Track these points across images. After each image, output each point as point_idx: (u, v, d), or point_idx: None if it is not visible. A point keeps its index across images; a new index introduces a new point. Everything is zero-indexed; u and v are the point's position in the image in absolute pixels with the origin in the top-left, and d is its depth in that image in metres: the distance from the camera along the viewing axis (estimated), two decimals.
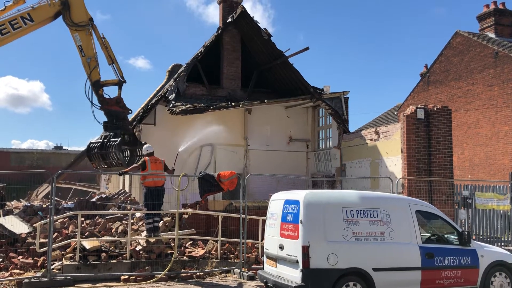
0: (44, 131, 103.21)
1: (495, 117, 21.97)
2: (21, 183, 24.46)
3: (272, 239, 8.98)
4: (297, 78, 20.33)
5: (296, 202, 8.41)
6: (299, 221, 8.17)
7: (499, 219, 15.93)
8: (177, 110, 18.26)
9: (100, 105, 14.33)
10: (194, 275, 10.84)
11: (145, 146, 12.26)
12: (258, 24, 20.11)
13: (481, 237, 15.53)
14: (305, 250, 7.97)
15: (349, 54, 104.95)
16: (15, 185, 22.02)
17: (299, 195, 8.50)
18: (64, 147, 50.35)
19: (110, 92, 14.98)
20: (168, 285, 10.10)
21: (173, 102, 18.95)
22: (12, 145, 77.06)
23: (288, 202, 8.71)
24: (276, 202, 9.14)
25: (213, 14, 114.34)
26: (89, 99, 14.26)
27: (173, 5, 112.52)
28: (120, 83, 14.60)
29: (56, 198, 20.76)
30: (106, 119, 14.67)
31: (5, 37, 13.01)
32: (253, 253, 12.10)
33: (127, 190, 18.60)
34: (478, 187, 15.81)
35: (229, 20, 20.71)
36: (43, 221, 11.04)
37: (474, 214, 15.61)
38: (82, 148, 34.07)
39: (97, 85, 14.15)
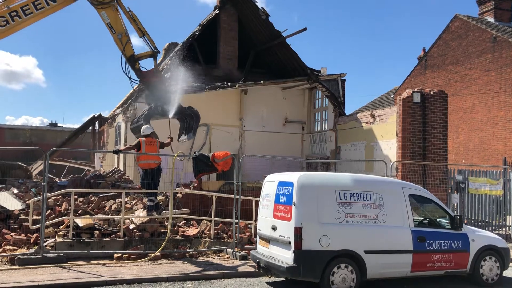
0: (38, 107, 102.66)
1: (491, 102, 21.97)
2: (15, 159, 24.35)
3: (265, 220, 9.01)
4: (294, 59, 20.18)
5: (290, 184, 8.42)
6: (292, 203, 8.19)
7: (491, 204, 16.07)
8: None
9: (138, 79, 14.19)
10: (187, 254, 10.89)
11: (143, 127, 12.21)
12: (256, 3, 19.86)
13: (472, 222, 15.68)
14: (298, 232, 8.01)
15: (347, 36, 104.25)
16: (10, 161, 21.86)
17: (293, 176, 8.50)
18: (59, 124, 50.11)
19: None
20: (161, 264, 10.14)
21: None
22: (6, 121, 76.50)
23: (281, 183, 8.72)
24: (270, 184, 9.15)
25: None
26: (126, 74, 14.16)
27: None
28: (154, 54, 14.49)
29: (50, 175, 20.77)
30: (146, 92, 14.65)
31: (28, 18, 12.92)
32: (246, 234, 12.15)
33: (122, 169, 18.59)
34: (472, 172, 15.90)
35: None
36: (35, 198, 11.03)
37: (466, 199, 15.73)
38: (77, 125, 34.04)
39: (132, 60, 14.09)
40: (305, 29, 19.08)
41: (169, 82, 14.71)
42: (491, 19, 24.80)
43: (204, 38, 20.62)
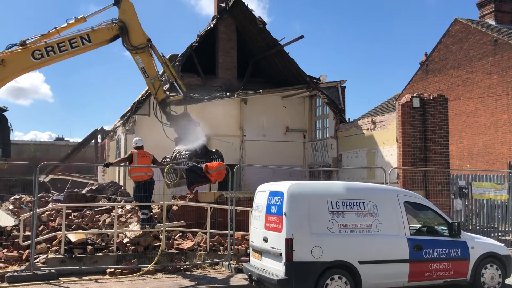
0: (46, 122, 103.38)
1: (494, 105, 21.65)
2: (19, 174, 24.40)
3: (257, 231, 8.80)
4: (293, 68, 20.06)
5: (280, 194, 8.21)
6: (283, 213, 7.98)
7: (496, 209, 15.68)
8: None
9: (169, 123, 14.48)
10: (181, 268, 10.68)
11: (134, 139, 12.13)
12: (253, 12, 19.83)
13: (477, 227, 15.32)
14: (289, 243, 7.79)
15: (348, 42, 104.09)
16: (13, 177, 21.91)
17: (283, 186, 8.29)
18: (66, 139, 50.38)
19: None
20: (154, 278, 9.95)
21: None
22: (15, 137, 77.03)
23: (272, 193, 8.51)
24: (261, 194, 8.94)
25: (206, 6, 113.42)
26: (157, 117, 14.42)
27: None
28: (185, 99, 14.80)
29: (53, 191, 20.67)
30: (176, 135, 14.80)
31: (63, 54, 13.19)
32: (243, 245, 11.91)
33: (121, 182, 18.49)
34: (475, 177, 15.56)
35: (223, 5, 20.45)
36: (27, 214, 10.91)
37: (472, 204, 15.39)
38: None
39: (164, 104, 14.34)
40: (302, 36, 18.98)
41: (197, 124, 14.82)
42: (491, 21, 24.53)
43: (203, 48, 20.57)
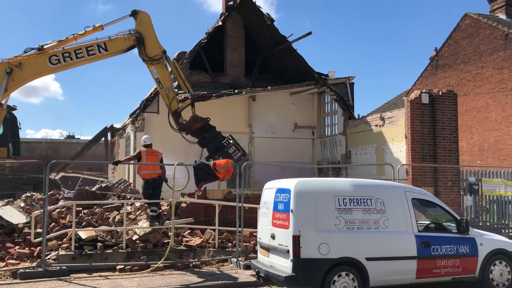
0: (57, 120, 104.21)
1: (505, 101, 21.44)
2: (31, 172, 24.67)
3: (264, 228, 8.85)
4: (301, 64, 20.00)
5: (287, 191, 8.24)
6: (290, 210, 8.01)
7: (507, 206, 15.56)
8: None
9: (184, 132, 14.71)
10: (190, 265, 10.76)
11: (143, 137, 12.23)
12: (261, 9, 19.79)
13: (488, 224, 15.23)
14: (296, 240, 7.82)
15: (357, 39, 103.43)
16: (24, 175, 22.17)
17: (290, 183, 8.32)
18: (76, 136, 50.75)
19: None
20: (163, 275, 10.05)
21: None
22: (27, 135, 77.77)
23: (279, 190, 8.54)
24: (269, 191, 8.98)
25: (214, 3, 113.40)
26: (175, 129, 14.56)
27: None
28: (193, 102, 14.98)
29: (64, 188, 20.90)
30: (196, 139, 15.09)
31: (79, 61, 13.44)
32: (251, 242, 11.97)
33: (131, 179, 18.64)
34: (485, 173, 15.46)
35: (231, 3, 20.47)
36: (37, 211, 11.06)
37: (481, 201, 15.29)
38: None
39: (177, 115, 14.55)
40: (310, 33, 18.89)
41: (208, 120, 14.98)
42: (502, 16, 24.26)
43: (211, 45, 20.60)
